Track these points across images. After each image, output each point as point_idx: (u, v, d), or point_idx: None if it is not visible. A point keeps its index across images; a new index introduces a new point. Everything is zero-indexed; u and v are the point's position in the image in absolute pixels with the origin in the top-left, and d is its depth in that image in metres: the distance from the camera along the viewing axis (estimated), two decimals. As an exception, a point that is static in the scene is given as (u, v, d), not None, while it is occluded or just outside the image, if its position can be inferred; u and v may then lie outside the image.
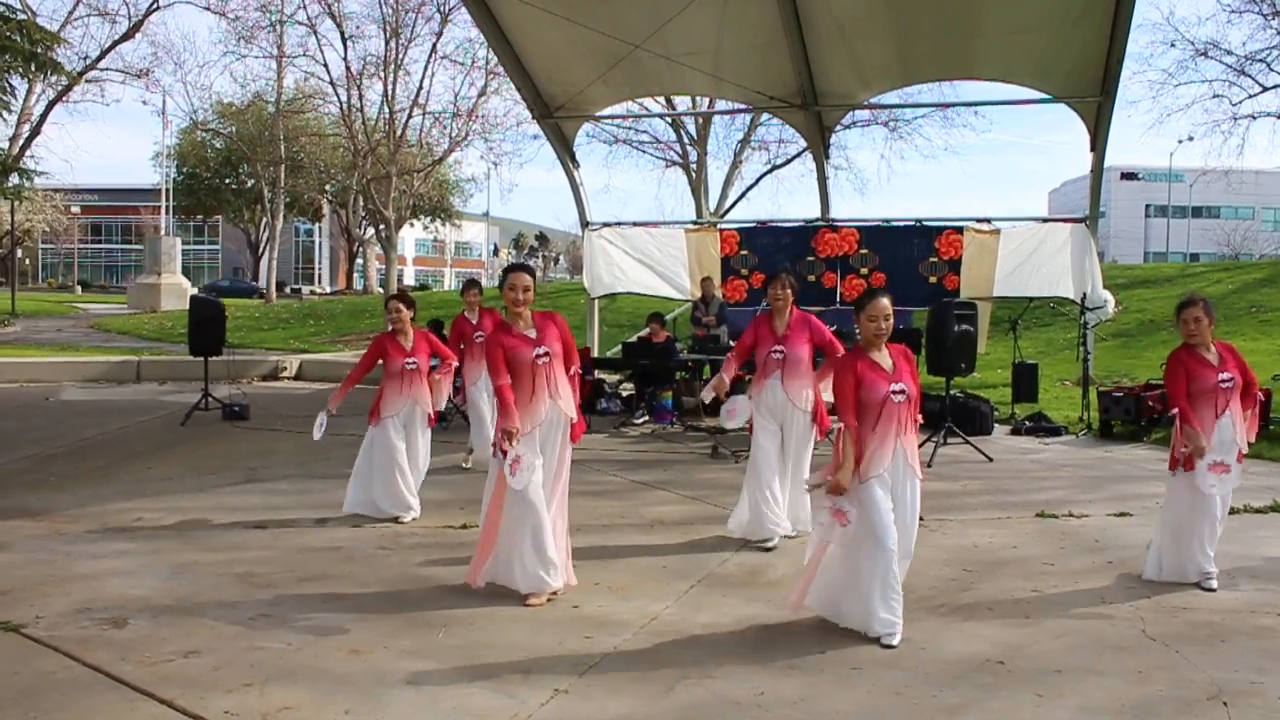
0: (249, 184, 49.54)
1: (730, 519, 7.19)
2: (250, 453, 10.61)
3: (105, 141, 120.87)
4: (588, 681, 4.53)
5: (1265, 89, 32.04)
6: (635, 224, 16.07)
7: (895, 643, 4.97)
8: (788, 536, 7.04)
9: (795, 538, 6.99)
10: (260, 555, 6.60)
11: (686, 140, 33.80)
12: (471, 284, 10.75)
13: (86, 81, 31.84)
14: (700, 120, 31.95)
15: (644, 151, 34.64)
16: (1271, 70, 31.56)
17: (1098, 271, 13.70)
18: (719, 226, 16.27)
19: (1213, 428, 5.98)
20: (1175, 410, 6.06)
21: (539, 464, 5.68)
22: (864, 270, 14.22)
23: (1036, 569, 6.43)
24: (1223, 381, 5.99)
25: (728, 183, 34.71)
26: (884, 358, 5.25)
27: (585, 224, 16.13)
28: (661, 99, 27.52)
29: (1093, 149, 13.52)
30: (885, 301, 5.25)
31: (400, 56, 29.27)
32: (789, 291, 7.17)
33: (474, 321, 10.08)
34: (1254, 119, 32.35)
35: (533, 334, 5.77)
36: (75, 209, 69.88)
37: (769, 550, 6.87)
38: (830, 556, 5.19)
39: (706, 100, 26.41)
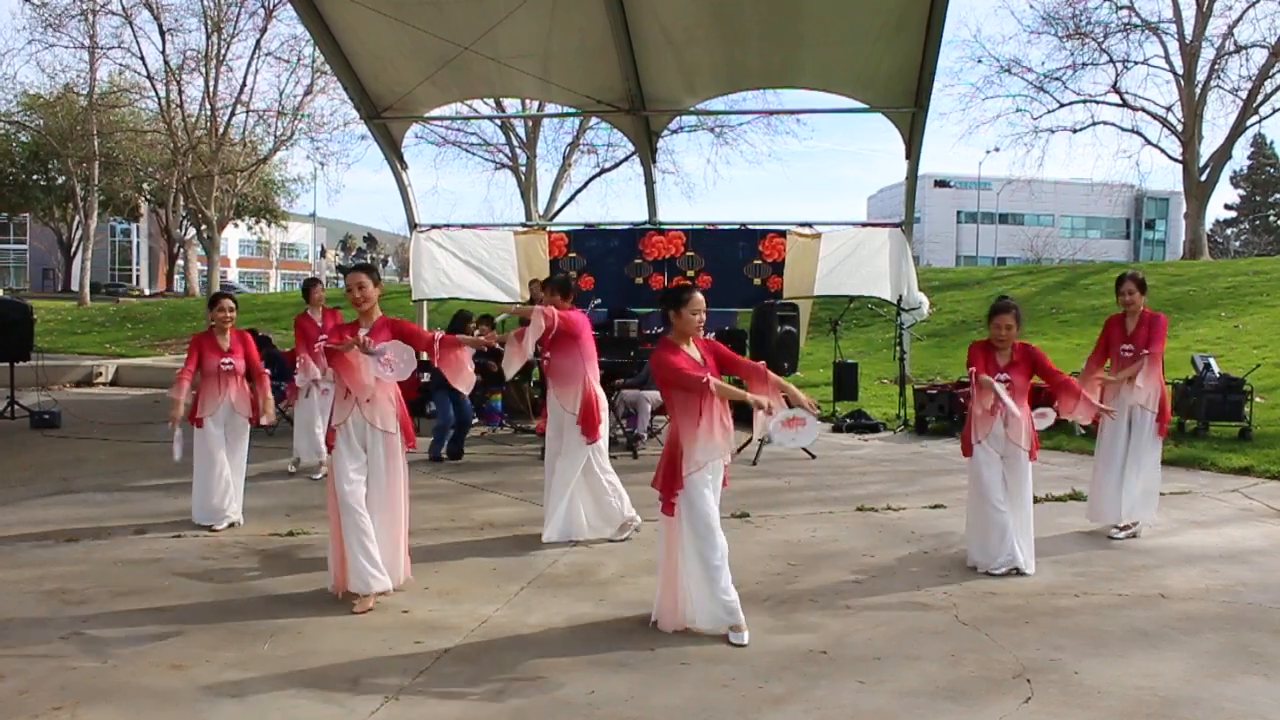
0: (59, 180, 46.84)
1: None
2: (62, 462, 10.13)
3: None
4: (418, 687, 4.50)
5: (1061, 105, 34.10)
6: (464, 226, 15.93)
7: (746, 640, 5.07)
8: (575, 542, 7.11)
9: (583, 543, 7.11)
10: (72, 570, 6.30)
11: (516, 143, 33.68)
12: (314, 282, 10.20)
13: None
14: (529, 123, 31.90)
15: (473, 153, 34.40)
16: (1066, 88, 33.65)
17: (913, 274, 14.28)
18: (548, 229, 16.25)
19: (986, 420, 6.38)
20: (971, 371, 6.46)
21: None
22: (690, 272, 14.44)
23: (857, 560, 6.67)
24: (998, 380, 6.33)
25: (557, 185, 34.74)
26: (693, 350, 5.30)
27: (413, 226, 15.92)
28: (491, 101, 27.35)
29: (908, 157, 14.12)
30: (700, 295, 5.32)
31: (223, 52, 28.28)
32: (559, 300, 7.32)
33: (319, 323, 9.47)
34: (1052, 133, 34.39)
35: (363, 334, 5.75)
36: None
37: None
38: (679, 565, 5.19)
39: (536, 103, 26.41)
